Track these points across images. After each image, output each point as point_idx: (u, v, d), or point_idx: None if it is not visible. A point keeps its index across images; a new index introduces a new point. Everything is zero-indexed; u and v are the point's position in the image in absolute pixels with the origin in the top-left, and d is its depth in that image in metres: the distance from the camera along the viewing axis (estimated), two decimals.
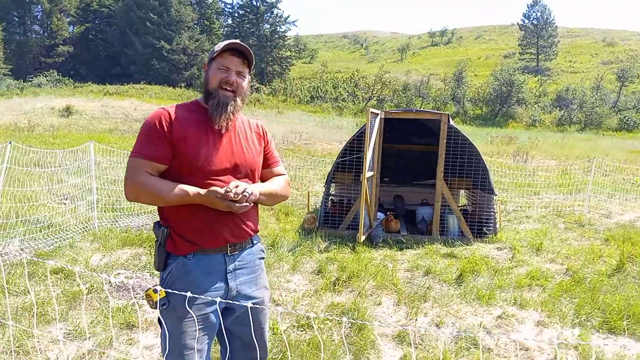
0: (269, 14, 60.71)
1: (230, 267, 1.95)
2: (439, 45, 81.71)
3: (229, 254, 1.94)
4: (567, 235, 6.95)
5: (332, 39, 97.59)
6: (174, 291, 1.79)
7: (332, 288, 4.59)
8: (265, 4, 60.11)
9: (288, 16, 62.93)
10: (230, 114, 1.91)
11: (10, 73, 46.94)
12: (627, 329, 3.81)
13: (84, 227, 6.13)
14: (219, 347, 2.19)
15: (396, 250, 5.96)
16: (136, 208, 7.13)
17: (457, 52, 72.57)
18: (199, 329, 1.87)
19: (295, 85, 51.64)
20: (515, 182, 10.80)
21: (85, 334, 3.44)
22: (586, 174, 10.19)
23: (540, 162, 16.55)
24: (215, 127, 1.90)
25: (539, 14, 64.44)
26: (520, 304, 4.32)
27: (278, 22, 61.14)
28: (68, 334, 3.45)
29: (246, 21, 60.80)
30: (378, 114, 6.49)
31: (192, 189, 1.81)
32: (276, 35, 60.58)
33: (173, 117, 1.88)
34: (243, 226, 1.96)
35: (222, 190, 1.78)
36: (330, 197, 7.60)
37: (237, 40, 1.93)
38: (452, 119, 6.72)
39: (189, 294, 1.72)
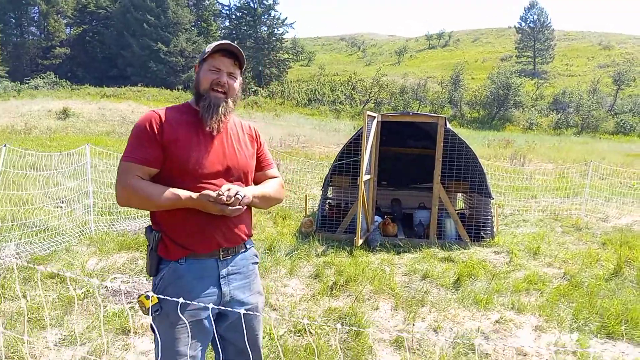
0: (266, 16, 60.72)
1: (224, 272, 1.92)
2: (436, 48, 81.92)
3: (221, 259, 1.92)
4: (565, 239, 6.95)
5: (329, 42, 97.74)
6: (166, 297, 1.76)
7: (329, 292, 4.57)
8: (262, 6, 60.12)
9: (285, 18, 62.86)
10: (222, 116, 1.89)
11: (7, 75, 46.79)
12: (626, 334, 3.80)
13: (80, 231, 6.10)
14: (214, 354, 2.17)
15: (393, 254, 5.95)
16: (133, 212, 7.10)
17: (454, 55, 72.76)
18: (192, 335, 1.84)
19: (293, 87, 51.67)
20: (513, 185, 10.81)
21: (80, 339, 3.41)
22: (583, 178, 10.21)
23: (538, 165, 16.58)
24: (207, 128, 1.88)
25: (535, 17, 64.67)
26: (518, 308, 4.31)
27: (275, 24, 61.16)
28: (63, 340, 3.42)
29: (243, 23, 60.78)
30: (375, 116, 6.48)
31: (184, 193, 1.79)
32: (273, 38, 60.60)
33: (163, 119, 1.85)
34: (236, 230, 1.93)
35: (214, 194, 1.76)
36: (328, 201, 7.59)
37: (228, 41, 1.91)
38: (449, 122, 6.73)
39: (181, 300, 1.69)
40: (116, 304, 4.09)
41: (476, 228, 6.65)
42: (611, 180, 10.98)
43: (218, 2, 66.08)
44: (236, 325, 1.92)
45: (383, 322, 4.06)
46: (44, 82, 44.14)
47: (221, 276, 1.92)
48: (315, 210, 7.99)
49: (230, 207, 1.79)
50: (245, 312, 1.83)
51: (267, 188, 2.05)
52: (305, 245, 5.98)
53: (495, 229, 6.75)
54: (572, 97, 46.23)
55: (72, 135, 19.65)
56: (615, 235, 7.05)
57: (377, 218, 6.80)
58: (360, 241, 5.98)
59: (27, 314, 3.70)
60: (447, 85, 51.60)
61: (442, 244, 6.31)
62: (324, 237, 6.44)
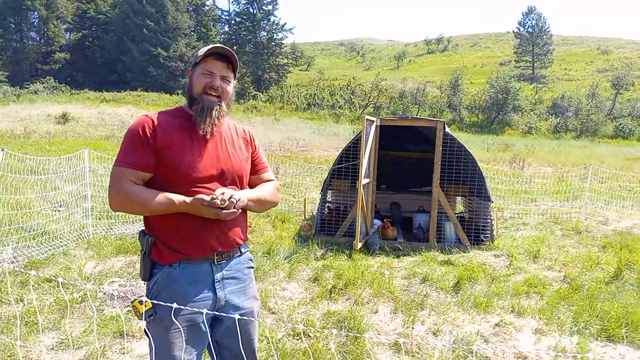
0: (265, 22, 60.86)
1: (218, 276, 1.90)
2: (435, 53, 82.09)
3: (215, 263, 1.89)
4: (565, 243, 6.94)
5: (328, 47, 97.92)
6: (160, 302, 1.74)
7: (328, 296, 4.55)
8: (262, 12, 60.29)
9: (285, 24, 63.23)
10: (215, 119, 1.87)
11: (6, 80, 46.87)
12: (626, 337, 3.78)
13: (78, 235, 6.08)
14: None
15: (393, 258, 5.93)
16: (131, 216, 7.07)
17: (453, 60, 72.91)
18: (187, 340, 1.82)
19: (292, 92, 51.72)
20: (512, 189, 10.81)
21: (77, 343, 3.39)
22: (582, 181, 10.20)
23: (537, 169, 16.59)
24: (200, 132, 1.86)
25: (534, 22, 64.82)
26: (518, 311, 4.29)
27: (275, 29, 61.29)
28: (60, 343, 3.40)
29: (243, 28, 60.91)
30: (374, 121, 6.48)
31: (177, 197, 1.77)
32: (273, 43, 60.70)
33: (156, 124, 1.84)
34: (230, 234, 1.91)
35: (208, 198, 1.74)
36: (327, 204, 7.57)
37: (221, 45, 1.90)
38: (448, 127, 6.73)
39: (175, 304, 1.67)
40: (113, 307, 4.07)
41: (476, 231, 6.64)
42: (611, 184, 10.98)
43: (217, 7, 66.47)
44: (231, 330, 1.90)
45: (382, 325, 4.04)
46: (44, 87, 44.18)
47: (216, 280, 1.89)
48: (314, 213, 7.97)
49: (224, 211, 1.77)
50: (240, 317, 1.81)
51: (262, 191, 2.03)
52: (304, 249, 5.96)
53: (495, 233, 6.73)
54: (571, 101, 46.31)
55: (72, 140, 19.65)
56: (615, 238, 7.04)
57: (377, 221, 6.79)
58: (360, 244, 5.97)
59: (24, 318, 3.67)
60: (446, 89, 51.66)
61: (441, 248, 6.29)
62: (323, 241, 6.42)
